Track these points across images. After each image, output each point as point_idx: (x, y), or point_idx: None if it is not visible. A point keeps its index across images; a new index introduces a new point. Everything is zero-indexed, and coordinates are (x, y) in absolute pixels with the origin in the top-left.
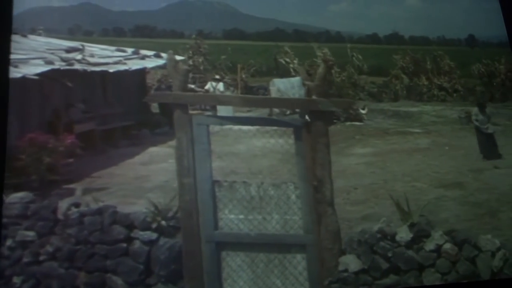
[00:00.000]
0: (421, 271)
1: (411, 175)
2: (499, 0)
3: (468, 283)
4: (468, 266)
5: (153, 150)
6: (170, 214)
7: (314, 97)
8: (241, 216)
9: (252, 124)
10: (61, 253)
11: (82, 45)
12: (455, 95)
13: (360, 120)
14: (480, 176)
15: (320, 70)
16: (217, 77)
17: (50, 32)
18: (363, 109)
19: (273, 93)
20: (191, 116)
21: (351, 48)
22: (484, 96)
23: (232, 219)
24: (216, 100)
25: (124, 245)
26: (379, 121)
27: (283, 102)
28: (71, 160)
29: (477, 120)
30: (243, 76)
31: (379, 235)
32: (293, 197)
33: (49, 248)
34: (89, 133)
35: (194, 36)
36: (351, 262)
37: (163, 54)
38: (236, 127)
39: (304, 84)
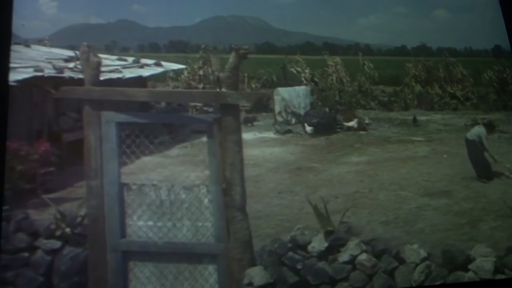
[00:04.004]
0: (333, 285)
1: (399, 183)
2: (501, 8)
3: (468, 283)
4: (385, 279)
5: (145, 159)
6: (78, 220)
7: (224, 89)
8: (150, 223)
9: (163, 121)
10: None
11: (76, 53)
12: (467, 103)
13: (364, 129)
14: (472, 184)
15: (231, 59)
16: None
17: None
18: (363, 120)
19: (277, 102)
20: (100, 113)
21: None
22: (496, 104)
23: (141, 226)
24: (123, 94)
25: (26, 254)
26: (383, 130)
27: (191, 95)
28: (51, 169)
29: (479, 138)
30: (253, 86)
31: (290, 245)
32: (205, 201)
33: None
34: (80, 142)
35: (203, 46)
36: (256, 275)
37: (164, 63)
38: None
39: (214, 75)
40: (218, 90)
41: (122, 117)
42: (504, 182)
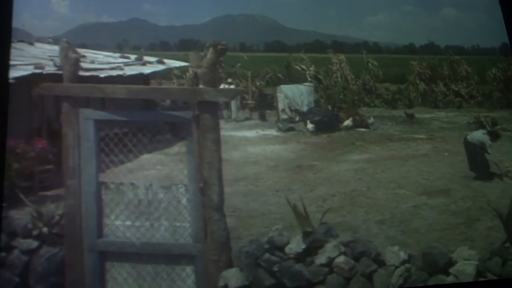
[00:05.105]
0: None
1: (398, 181)
2: (501, 8)
3: (469, 283)
4: (363, 283)
5: (146, 157)
6: (56, 219)
7: (201, 86)
8: (128, 223)
9: (142, 119)
10: None
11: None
12: (472, 101)
13: (367, 126)
14: (471, 183)
15: (209, 55)
16: (229, 80)
17: (100, 47)
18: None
19: (280, 100)
20: (78, 110)
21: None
22: (500, 102)
23: (118, 226)
24: (102, 91)
25: (3, 254)
26: (386, 128)
27: (168, 92)
28: (49, 166)
29: (482, 144)
30: (258, 84)
31: (267, 246)
32: (183, 201)
33: None
34: None
35: (207, 44)
36: (232, 277)
37: (166, 60)
38: (240, 134)
39: (192, 71)
40: (195, 86)
41: (101, 115)
42: (504, 181)
